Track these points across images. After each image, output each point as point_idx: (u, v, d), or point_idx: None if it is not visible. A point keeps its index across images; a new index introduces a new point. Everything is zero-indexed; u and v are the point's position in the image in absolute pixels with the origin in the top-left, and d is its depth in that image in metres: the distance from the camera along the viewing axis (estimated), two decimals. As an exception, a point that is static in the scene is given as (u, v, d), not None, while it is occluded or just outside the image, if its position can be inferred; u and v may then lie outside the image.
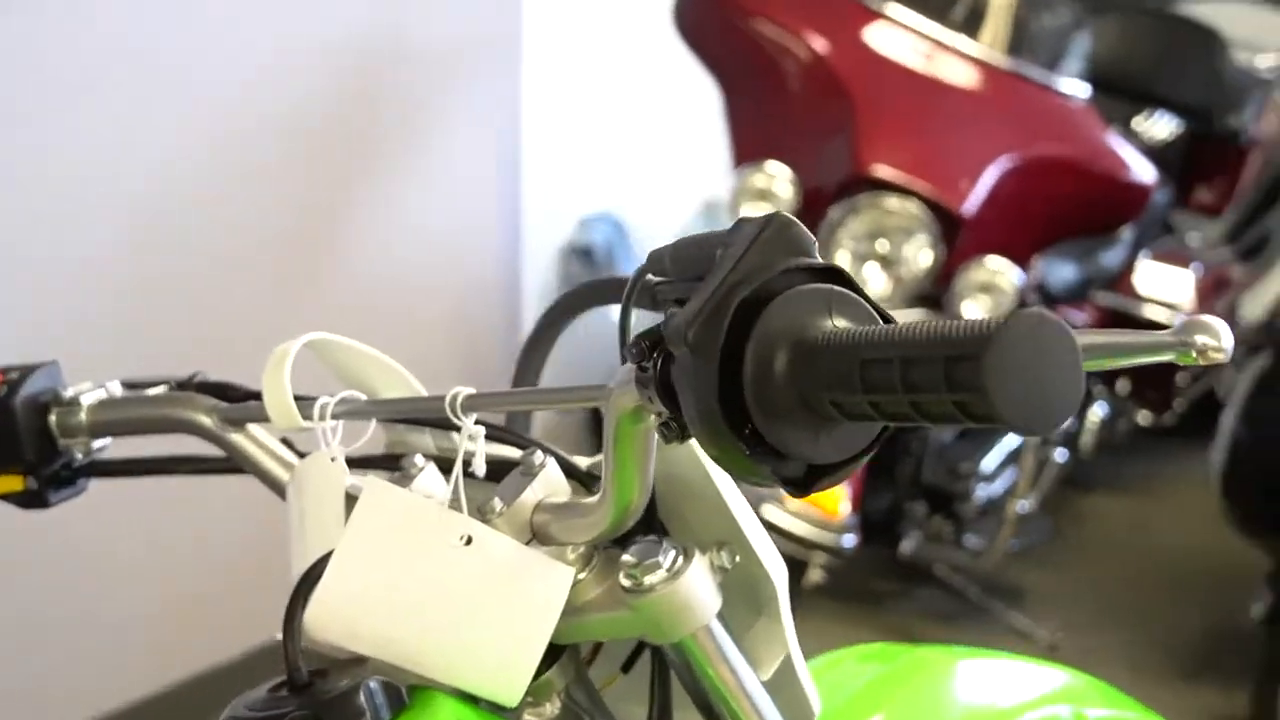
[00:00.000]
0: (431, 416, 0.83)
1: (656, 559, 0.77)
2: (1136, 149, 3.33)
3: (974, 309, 2.99)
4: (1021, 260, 3.08)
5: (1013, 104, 3.19)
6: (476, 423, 0.80)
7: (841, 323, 0.61)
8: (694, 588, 0.77)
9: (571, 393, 0.75)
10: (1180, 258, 4.27)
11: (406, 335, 3.24)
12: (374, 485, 0.80)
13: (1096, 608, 3.50)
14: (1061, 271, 3.57)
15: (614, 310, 0.82)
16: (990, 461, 3.37)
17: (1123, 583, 3.65)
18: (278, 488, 0.93)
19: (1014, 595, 3.49)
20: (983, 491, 3.38)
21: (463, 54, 3.36)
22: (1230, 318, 4.46)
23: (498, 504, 0.81)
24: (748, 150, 3.13)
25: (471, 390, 0.78)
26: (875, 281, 3.01)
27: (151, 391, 1.00)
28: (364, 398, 0.88)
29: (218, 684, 2.87)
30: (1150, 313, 4.09)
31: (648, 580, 0.77)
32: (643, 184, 4.14)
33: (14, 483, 0.99)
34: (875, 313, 0.63)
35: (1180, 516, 4.03)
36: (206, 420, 0.96)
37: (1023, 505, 3.24)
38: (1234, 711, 2.99)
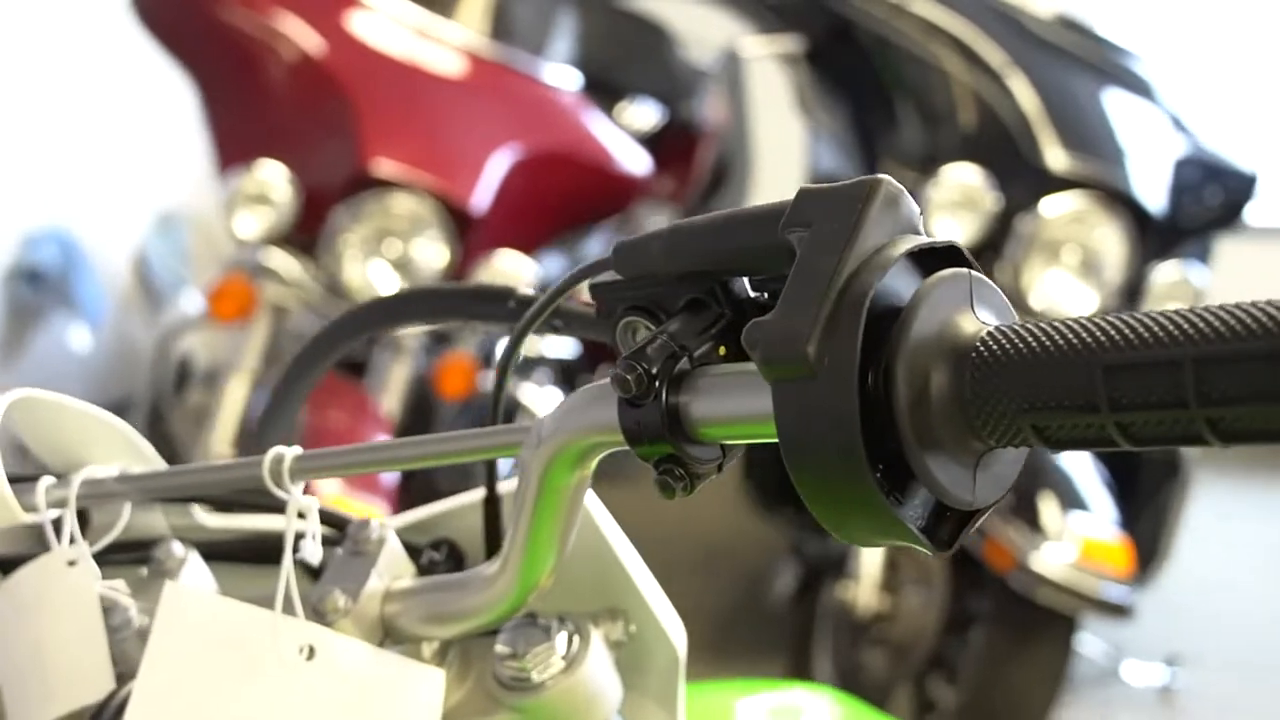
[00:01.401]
0: (237, 488, 0.60)
1: (548, 644, 0.60)
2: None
3: (491, 309, 2.89)
4: (531, 255, 3.01)
5: (506, 94, 3.11)
6: (305, 493, 0.58)
7: (989, 318, 0.45)
8: (597, 676, 0.62)
9: (475, 439, 0.56)
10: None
11: None
12: (175, 592, 0.57)
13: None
14: (552, 267, 3.54)
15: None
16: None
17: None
18: None
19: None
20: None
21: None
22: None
23: (341, 599, 0.59)
24: (235, 152, 2.86)
25: (297, 450, 0.57)
26: (389, 285, 2.83)
27: None
28: (113, 472, 0.63)
29: None
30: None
31: (538, 675, 0.61)
32: (92, 195, 3.72)
33: None
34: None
35: (692, 502, 4.10)
36: None
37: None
38: (771, 685, 3.05)
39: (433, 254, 2.85)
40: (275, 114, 2.90)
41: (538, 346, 3.34)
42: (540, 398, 3.30)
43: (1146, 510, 2.76)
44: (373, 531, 0.64)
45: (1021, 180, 2.64)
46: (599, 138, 3.18)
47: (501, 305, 0.72)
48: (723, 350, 0.54)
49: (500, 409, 0.63)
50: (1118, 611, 2.36)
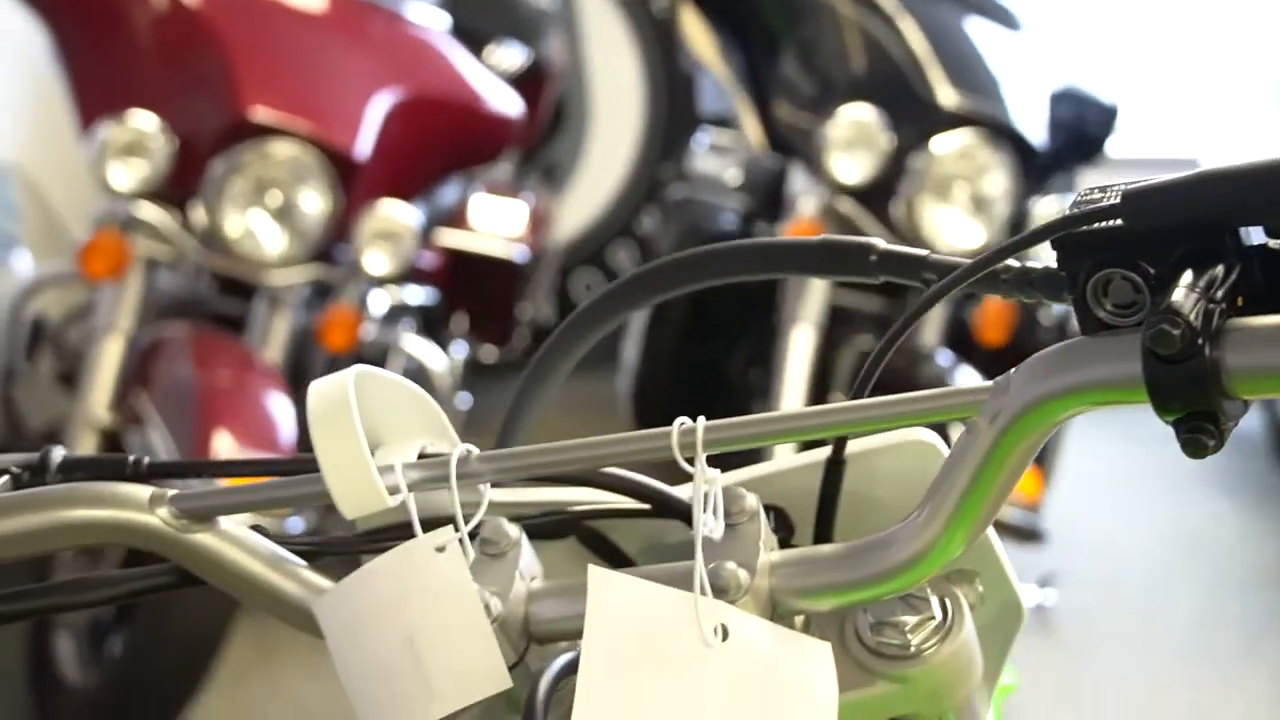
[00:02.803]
0: (640, 460, 0.58)
1: (927, 611, 0.59)
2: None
3: (377, 259, 2.82)
4: (410, 202, 2.94)
5: (380, 38, 3.02)
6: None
7: None
8: (970, 641, 0.60)
9: (925, 401, 0.54)
10: (511, 189, 4.30)
11: None
12: (601, 577, 0.55)
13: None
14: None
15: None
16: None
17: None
18: (290, 611, 0.61)
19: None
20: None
21: None
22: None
23: (742, 576, 0.57)
24: (101, 103, 2.72)
25: (704, 422, 0.55)
26: (270, 237, 2.74)
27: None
28: (474, 450, 0.60)
29: None
30: (489, 246, 4.09)
31: (919, 643, 0.58)
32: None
33: None
34: None
35: None
36: (153, 520, 0.60)
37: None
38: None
39: (315, 203, 2.76)
40: (144, 63, 2.76)
41: (399, 295, 3.27)
42: (418, 345, 3.24)
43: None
44: (747, 503, 0.60)
45: (913, 118, 2.68)
46: (472, 81, 3.11)
47: (862, 260, 0.68)
48: (1240, 301, 0.53)
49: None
50: (1029, 537, 2.43)
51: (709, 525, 0.57)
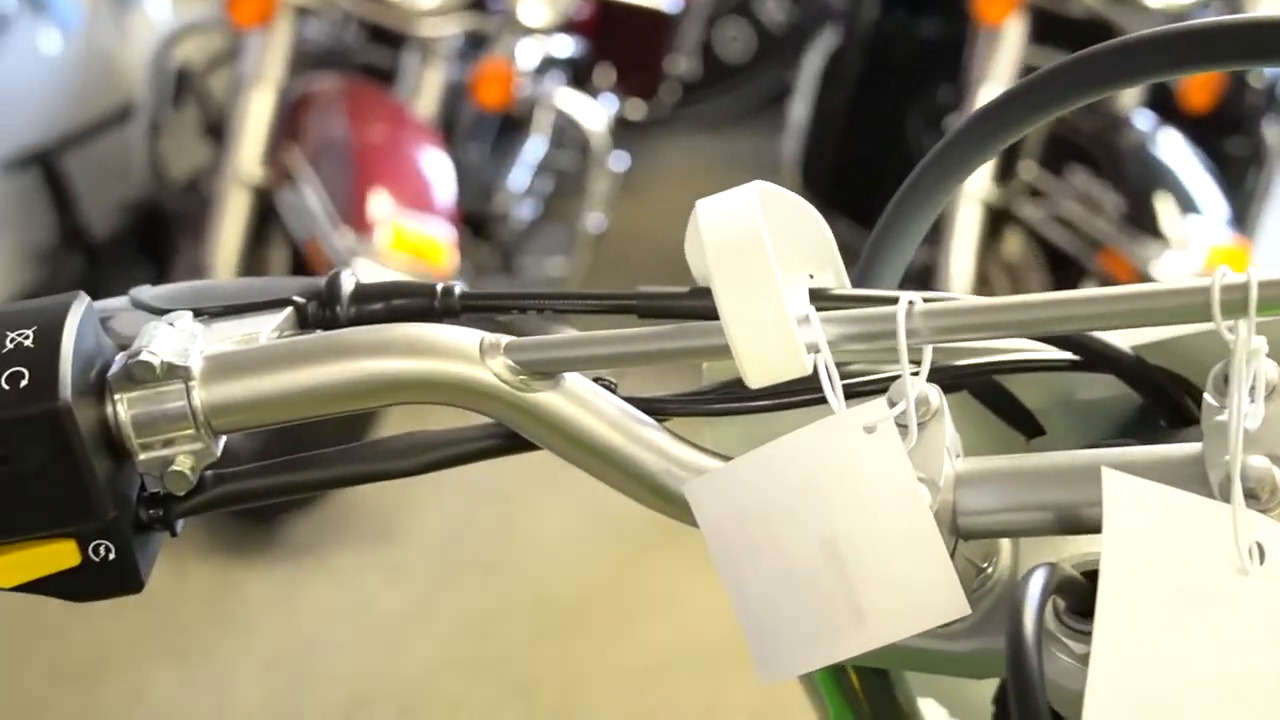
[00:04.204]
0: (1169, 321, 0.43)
1: None
2: None
3: (534, 8, 2.65)
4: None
5: None
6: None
7: None
8: None
9: None
10: None
11: None
12: (1116, 480, 0.42)
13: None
14: None
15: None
16: (518, 178, 3.10)
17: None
18: (651, 493, 0.49)
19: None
20: (520, 211, 3.12)
21: None
22: None
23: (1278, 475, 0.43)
24: None
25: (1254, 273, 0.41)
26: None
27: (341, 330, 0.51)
28: (917, 300, 0.46)
29: None
30: None
31: None
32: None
33: (62, 554, 0.48)
34: None
35: None
36: (486, 375, 0.49)
37: (597, 221, 3.00)
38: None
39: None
40: None
41: (547, 47, 3.10)
42: (573, 101, 3.08)
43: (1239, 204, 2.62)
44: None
45: None
46: None
47: None
48: None
49: None
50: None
51: (1246, 409, 0.43)
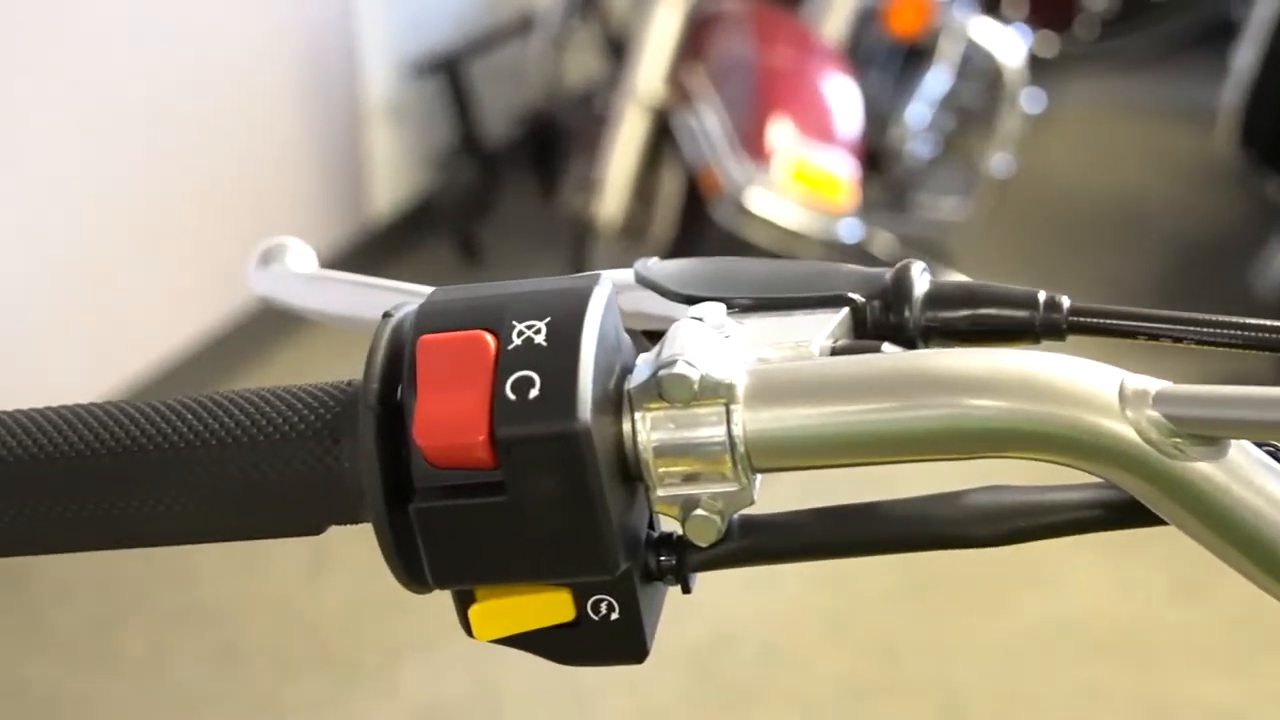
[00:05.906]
0: None
1: None
2: None
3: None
4: None
5: None
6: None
7: None
8: None
9: None
10: None
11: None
12: None
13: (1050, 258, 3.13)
14: None
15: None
16: (918, 112, 2.91)
17: (1080, 244, 3.26)
18: None
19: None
20: (917, 148, 2.94)
21: None
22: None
23: None
24: None
25: None
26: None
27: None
28: None
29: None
30: None
31: None
32: None
33: (555, 606, 0.39)
34: None
35: (1124, 159, 3.65)
36: (1125, 431, 0.35)
37: (1004, 163, 2.80)
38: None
39: None
40: None
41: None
42: (990, 32, 2.87)
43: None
44: None
45: None
46: None
47: None
48: None
49: None
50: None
51: None
